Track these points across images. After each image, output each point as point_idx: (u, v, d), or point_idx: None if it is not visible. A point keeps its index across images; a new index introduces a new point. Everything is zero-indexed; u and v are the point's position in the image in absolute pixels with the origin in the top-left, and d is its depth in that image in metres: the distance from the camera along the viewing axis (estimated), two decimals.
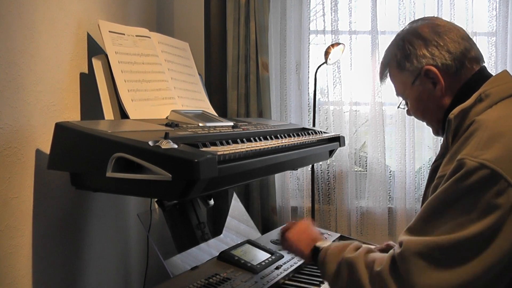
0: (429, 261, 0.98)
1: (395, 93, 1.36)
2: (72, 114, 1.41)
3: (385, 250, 1.63)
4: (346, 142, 2.48)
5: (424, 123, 1.33)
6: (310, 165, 2.52)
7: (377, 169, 2.62)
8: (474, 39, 1.26)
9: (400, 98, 1.35)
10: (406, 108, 1.34)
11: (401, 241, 1.04)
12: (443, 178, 1.04)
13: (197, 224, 1.66)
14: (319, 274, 1.51)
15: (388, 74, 1.33)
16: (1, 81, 1.07)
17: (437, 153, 2.70)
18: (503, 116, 1.04)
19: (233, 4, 2.50)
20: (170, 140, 0.99)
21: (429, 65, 1.20)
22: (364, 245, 1.19)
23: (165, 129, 1.20)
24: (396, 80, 1.30)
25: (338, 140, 1.82)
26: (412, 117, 2.85)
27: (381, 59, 1.35)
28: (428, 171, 1.22)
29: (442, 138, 1.20)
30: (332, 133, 1.84)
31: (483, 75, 1.20)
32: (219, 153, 1.03)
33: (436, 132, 1.31)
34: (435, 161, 1.20)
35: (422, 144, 2.66)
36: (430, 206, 1.03)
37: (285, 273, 1.47)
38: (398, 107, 1.38)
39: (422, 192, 2.69)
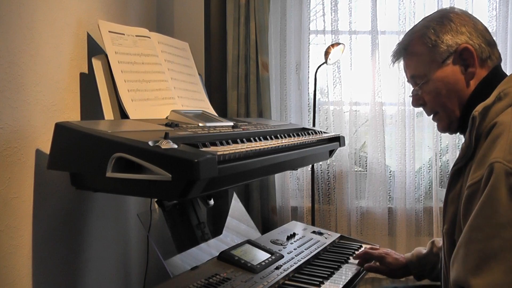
0: None
1: (409, 75, 1.28)
2: (72, 114, 1.41)
3: (383, 258, 1.63)
4: (346, 142, 2.48)
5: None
6: (310, 165, 2.52)
7: (377, 169, 2.62)
8: None
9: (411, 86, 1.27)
10: (416, 93, 1.26)
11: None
12: (476, 186, 1.01)
13: (197, 224, 1.66)
14: (319, 274, 1.51)
15: (406, 53, 1.26)
16: (1, 81, 1.07)
17: (436, 153, 2.70)
18: None
19: (233, 4, 2.50)
20: (170, 140, 0.99)
21: (467, 44, 1.16)
22: None
23: (165, 129, 1.20)
24: (421, 58, 1.23)
25: (338, 140, 1.82)
26: (413, 117, 2.85)
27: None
28: (449, 174, 1.17)
29: (444, 138, 1.17)
30: (332, 133, 1.84)
31: (500, 73, 1.20)
32: (219, 153, 1.02)
33: (447, 127, 1.25)
34: (455, 164, 1.15)
35: (422, 144, 2.66)
36: (479, 226, 0.98)
37: (285, 273, 1.47)
38: (412, 92, 1.29)
39: (422, 192, 2.72)
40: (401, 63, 1.33)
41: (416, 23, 1.30)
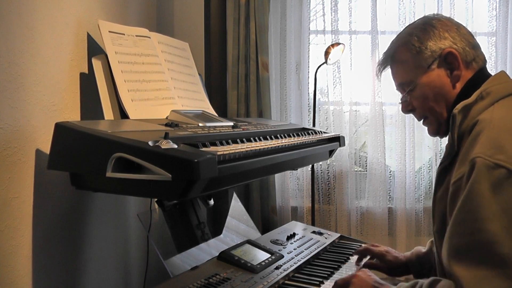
0: None
1: (397, 82, 1.30)
2: (72, 114, 1.41)
3: (383, 256, 1.63)
4: (346, 142, 2.48)
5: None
6: (310, 165, 2.52)
7: (377, 169, 2.62)
8: None
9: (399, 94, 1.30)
10: (405, 100, 1.28)
11: (457, 277, 0.99)
12: (460, 182, 1.03)
13: (197, 224, 1.66)
14: (319, 274, 1.51)
15: (392, 61, 1.29)
16: (1, 81, 1.07)
17: (436, 153, 2.70)
18: (507, 115, 1.05)
19: (233, 4, 2.50)
20: (170, 140, 0.99)
21: (451, 48, 1.19)
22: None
23: (165, 129, 1.20)
24: (406, 65, 1.25)
25: (338, 140, 1.82)
26: (412, 117, 2.85)
27: (380, 56, 1.33)
28: (436, 173, 1.20)
29: (444, 138, 1.19)
30: (332, 133, 1.84)
31: (485, 74, 1.22)
32: (219, 153, 1.03)
33: (437, 130, 1.28)
34: (441, 163, 1.18)
35: (422, 144, 2.66)
36: (463, 220, 1.00)
37: (285, 273, 1.47)
38: (401, 99, 1.31)
39: (422, 192, 2.72)
40: (385, 72, 1.35)
41: (399, 32, 1.32)
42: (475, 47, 1.22)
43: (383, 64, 1.33)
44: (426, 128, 1.29)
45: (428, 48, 1.21)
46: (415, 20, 1.31)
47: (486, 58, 1.27)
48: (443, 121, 1.24)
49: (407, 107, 1.30)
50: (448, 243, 1.03)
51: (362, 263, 1.65)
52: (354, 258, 1.70)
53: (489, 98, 1.10)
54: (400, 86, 1.30)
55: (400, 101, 1.33)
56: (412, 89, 1.25)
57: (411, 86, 1.25)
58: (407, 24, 2.53)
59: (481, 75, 1.20)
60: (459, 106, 1.11)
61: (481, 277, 0.96)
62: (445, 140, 2.57)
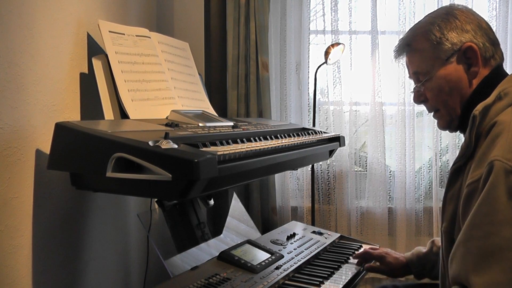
0: None
1: (412, 71, 1.27)
2: (72, 114, 1.41)
3: (383, 257, 1.63)
4: (346, 142, 2.48)
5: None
6: (310, 165, 2.52)
7: (377, 169, 2.62)
8: None
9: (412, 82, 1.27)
10: (418, 90, 1.26)
11: (468, 282, 0.98)
12: (476, 185, 1.01)
13: (197, 224, 1.66)
14: (319, 274, 1.51)
15: (409, 49, 1.26)
16: (1, 81, 1.07)
17: (436, 153, 2.70)
18: None
19: (233, 4, 2.50)
20: (170, 140, 0.99)
21: (471, 43, 1.17)
22: None
23: (165, 129, 1.21)
24: (424, 54, 1.22)
25: (338, 140, 1.82)
26: (413, 117, 2.85)
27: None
28: (448, 173, 1.18)
29: (444, 138, 1.16)
30: (332, 133, 1.84)
31: (502, 72, 1.20)
32: (219, 153, 1.03)
33: (448, 124, 1.25)
34: (455, 163, 1.16)
35: (422, 144, 2.65)
36: (478, 223, 0.98)
37: (285, 273, 1.47)
38: (414, 88, 1.29)
39: (422, 192, 2.71)
40: (403, 59, 1.32)
41: (419, 20, 1.30)
42: (495, 43, 1.21)
43: (398, 51, 1.30)
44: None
45: (449, 40, 1.19)
46: (436, 9, 1.27)
47: None
48: (455, 116, 1.22)
49: (419, 98, 1.28)
50: (463, 247, 1.01)
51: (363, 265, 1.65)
52: (354, 258, 1.70)
53: (507, 99, 1.07)
54: (415, 75, 1.28)
55: (412, 90, 1.30)
56: (428, 80, 1.23)
57: (426, 77, 1.23)
58: (407, 24, 2.57)
59: (498, 73, 1.19)
60: (479, 107, 1.07)
61: (493, 283, 0.95)
62: (445, 140, 2.59)
